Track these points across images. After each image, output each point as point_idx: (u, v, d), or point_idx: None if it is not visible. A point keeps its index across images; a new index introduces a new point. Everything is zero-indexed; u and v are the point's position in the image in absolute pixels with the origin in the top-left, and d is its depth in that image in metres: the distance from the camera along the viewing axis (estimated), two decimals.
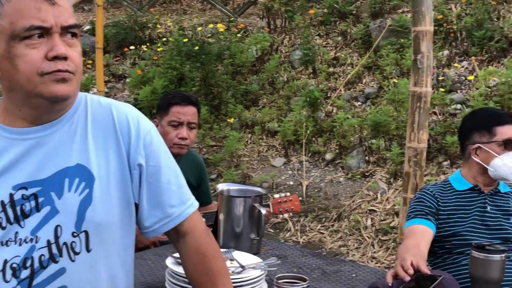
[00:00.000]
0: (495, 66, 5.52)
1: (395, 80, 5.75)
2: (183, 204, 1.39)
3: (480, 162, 2.33)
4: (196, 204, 1.43)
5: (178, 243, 1.40)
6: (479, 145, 2.32)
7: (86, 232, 1.30)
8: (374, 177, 5.25)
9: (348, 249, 4.50)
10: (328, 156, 5.73)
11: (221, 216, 2.19)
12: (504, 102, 4.88)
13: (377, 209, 4.83)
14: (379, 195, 4.99)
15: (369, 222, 4.70)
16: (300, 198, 5.28)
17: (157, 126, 2.72)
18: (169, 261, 1.75)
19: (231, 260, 1.84)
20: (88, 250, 1.31)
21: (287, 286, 1.55)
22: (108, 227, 1.32)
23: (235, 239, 2.15)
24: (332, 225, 4.85)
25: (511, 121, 2.32)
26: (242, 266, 1.76)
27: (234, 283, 1.68)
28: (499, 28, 5.73)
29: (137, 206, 1.38)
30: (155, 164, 1.37)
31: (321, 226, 4.89)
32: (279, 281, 1.58)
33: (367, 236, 4.54)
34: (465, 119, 2.50)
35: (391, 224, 4.54)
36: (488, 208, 2.32)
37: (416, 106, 3.57)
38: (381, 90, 6.03)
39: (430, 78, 3.57)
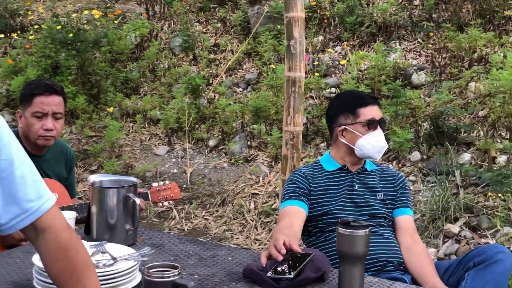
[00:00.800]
0: (366, 51, 5.80)
1: (273, 66, 5.88)
2: (40, 198, 1.33)
3: (347, 143, 2.44)
4: (54, 198, 1.37)
5: (37, 240, 1.34)
6: (345, 126, 2.43)
7: None
8: (256, 161, 5.36)
9: (232, 233, 4.56)
10: (212, 143, 5.76)
11: (94, 208, 2.13)
12: (374, 85, 5.15)
13: (260, 192, 4.93)
14: (261, 179, 5.09)
15: (252, 206, 4.79)
16: (185, 186, 5.28)
17: (20, 117, 2.59)
18: (36, 258, 1.68)
19: (103, 253, 1.80)
20: None
21: (157, 275, 1.54)
22: None
23: (110, 231, 2.10)
24: (217, 211, 4.89)
25: (373, 102, 2.45)
26: (113, 258, 1.73)
27: (105, 276, 1.65)
28: (368, 14, 6.01)
29: None
30: (7, 158, 1.29)
31: (205, 212, 4.92)
32: (150, 270, 1.57)
33: (250, 219, 4.63)
34: (331, 102, 2.61)
35: (273, 206, 4.66)
36: (356, 187, 2.44)
37: (291, 91, 3.65)
38: (261, 76, 6.14)
39: (304, 63, 3.67)
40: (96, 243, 1.85)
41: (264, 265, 1.88)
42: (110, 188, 2.12)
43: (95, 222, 2.13)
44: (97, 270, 1.55)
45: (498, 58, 4.76)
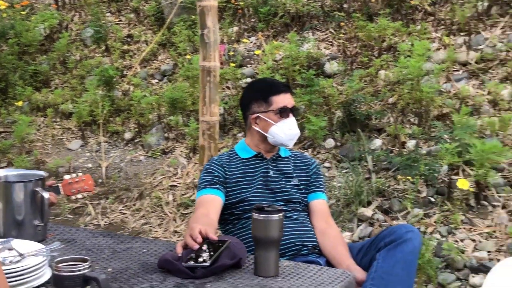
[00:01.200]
0: (280, 41, 5.86)
1: (189, 57, 5.84)
2: None
3: (260, 130, 2.46)
4: None
5: None
6: (258, 114, 2.45)
7: None
8: (174, 153, 5.30)
9: (150, 226, 4.50)
10: (127, 135, 5.66)
11: (0, 204, 2.03)
12: (289, 74, 5.21)
13: (178, 184, 4.89)
14: (179, 170, 5.05)
15: (170, 198, 4.74)
16: (100, 180, 5.15)
17: None
18: None
19: (10, 249, 1.72)
20: None
21: (67, 269, 1.50)
22: None
23: (17, 227, 2.02)
24: (134, 205, 4.80)
25: (285, 90, 2.48)
26: (21, 255, 1.66)
27: (12, 272, 1.58)
28: (282, 4, 6.07)
29: None
30: None
31: (123, 207, 4.82)
32: (59, 264, 1.52)
33: (169, 212, 4.58)
34: (244, 90, 2.62)
35: (192, 198, 4.63)
36: (271, 173, 2.47)
37: (206, 81, 3.64)
38: (177, 67, 6.08)
39: (218, 52, 3.66)
40: (2, 240, 1.77)
41: (179, 255, 1.87)
42: (16, 182, 2.03)
43: (1, 218, 2.04)
44: (4, 267, 1.49)
45: (406, 46, 4.94)
